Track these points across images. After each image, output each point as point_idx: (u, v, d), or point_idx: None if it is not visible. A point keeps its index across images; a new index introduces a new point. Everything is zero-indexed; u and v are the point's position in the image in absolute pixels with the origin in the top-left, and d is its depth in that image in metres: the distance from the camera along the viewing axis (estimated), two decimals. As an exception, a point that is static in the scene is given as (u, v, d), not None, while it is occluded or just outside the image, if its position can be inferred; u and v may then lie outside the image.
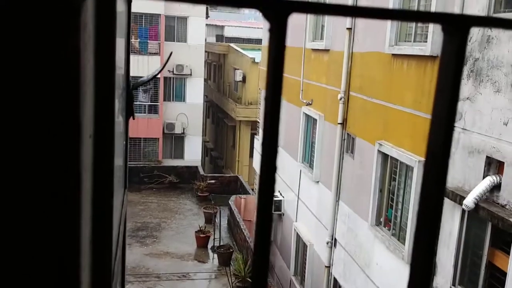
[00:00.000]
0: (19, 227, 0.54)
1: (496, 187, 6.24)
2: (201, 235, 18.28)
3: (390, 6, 8.83)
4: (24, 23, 0.48)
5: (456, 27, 0.44)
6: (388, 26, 8.85)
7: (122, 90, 1.49)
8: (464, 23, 0.44)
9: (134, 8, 24.39)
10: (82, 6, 0.51)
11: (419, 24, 8.33)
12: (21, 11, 0.47)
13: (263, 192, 0.43)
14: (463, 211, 6.72)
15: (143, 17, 25.96)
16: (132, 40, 25.73)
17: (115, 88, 0.89)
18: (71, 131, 0.52)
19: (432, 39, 7.53)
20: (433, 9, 7.54)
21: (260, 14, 0.43)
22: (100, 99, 0.72)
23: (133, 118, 1.75)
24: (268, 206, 0.44)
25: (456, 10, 7.02)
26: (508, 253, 6.09)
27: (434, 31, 7.48)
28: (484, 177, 6.38)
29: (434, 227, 0.47)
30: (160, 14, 26.00)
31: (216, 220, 18.90)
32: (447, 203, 7.15)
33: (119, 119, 1.29)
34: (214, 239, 18.12)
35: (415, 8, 8.34)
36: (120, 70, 1.29)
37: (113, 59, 0.83)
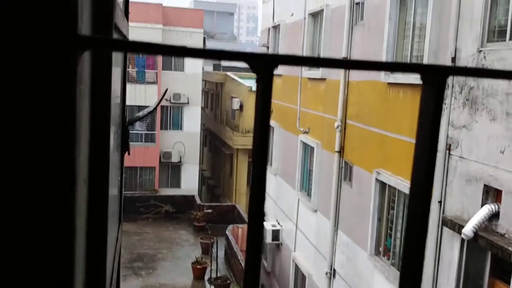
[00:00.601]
0: (14, 265, 0.53)
1: (495, 216, 6.20)
2: (198, 266, 18.04)
3: (384, 47, 8.94)
4: (22, 75, 0.47)
5: (434, 77, 0.46)
6: (384, 55, 8.96)
7: (118, 127, 1.49)
8: (441, 73, 0.46)
9: (132, 37, 24.67)
10: (79, 60, 0.51)
11: (414, 53, 8.45)
12: (19, 64, 0.47)
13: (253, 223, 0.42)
14: (462, 240, 6.66)
15: (141, 47, 26.23)
16: (130, 69, 25.97)
17: (110, 136, 0.89)
18: (66, 178, 0.51)
19: (427, 68, 7.60)
20: (427, 42, 7.64)
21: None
22: (95, 146, 0.71)
23: (128, 154, 1.74)
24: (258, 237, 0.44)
25: (450, 42, 7.12)
26: (508, 283, 6.01)
27: (429, 60, 7.57)
28: (482, 206, 6.36)
29: (422, 245, 0.48)
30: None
31: (213, 250, 18.69)
32: (446, 232, 7.10)
33: (114, 154, 1.29)
34: (211, 270, 17.88)
35: (409, 44, 8.46)
36: (115, 107, 1.29)
37: (108, 104, 0.83)
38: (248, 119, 26.24)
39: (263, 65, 0.41)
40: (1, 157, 0.49)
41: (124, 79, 1.85)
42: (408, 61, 8.56)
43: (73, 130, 0.51)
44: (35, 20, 0.47)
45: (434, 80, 0.46)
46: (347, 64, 0.48)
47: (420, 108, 0.49)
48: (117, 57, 1.36)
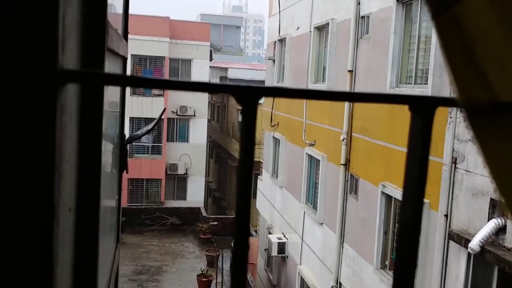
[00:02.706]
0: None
1: (502, 230, 6.14)
2: (203, 279, 17.96)
3: (389, 60, 8.96)
4: (2, 108, 0.48)
5: (422, 108, 0.45)
6: (389, 68, 8.97)
7: (116, 146, 1.49)
8: (430, 104, 0.46)
9: (139, 51, 24.90)
10: (60, 91, 0.51)
11: (419, 67, 8.44)
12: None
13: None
14: (469, 254, 6.60)
15: (148, 59, 26.43)
16: (137, 82, 26.11)
17: (101, 165, 0.89)
18: (44, 206, 0.52)
19: (433, 81, 7.60)
20: (432, 55, 7.64)
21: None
22: (84, 174, 0.71)
23: (127, 172, 1.74)
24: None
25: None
26: (517, 299, 5.94)
27: (434, 74, 7.56)
28: (489, 220, 6.30)
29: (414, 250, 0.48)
30: (164, 57, 26.47)
31: (219, 263, 18.61)
32: (453, 246, 7.03)
33: (112, 173, 1.29)
34: (216, 283, 17.78)
35: (415, 57, 8.46)
36: (114, 125, 1.30)
37: (99, 132, 0.83)
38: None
39: (247, 97, 0.41)
40: None
41: (124, 96, 1.86)
42: (414, 74, 8.55)
43: (51, 161, 0.51)
44: (15, 55, 0.48)
45: (423, 111, 0.46)
46: (331, 95, 0.49)
47: (409, 138, 0.48)
48: (115, 72, 1.36)
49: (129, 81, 0.44)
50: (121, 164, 1.68)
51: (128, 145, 1.86)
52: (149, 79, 0.43)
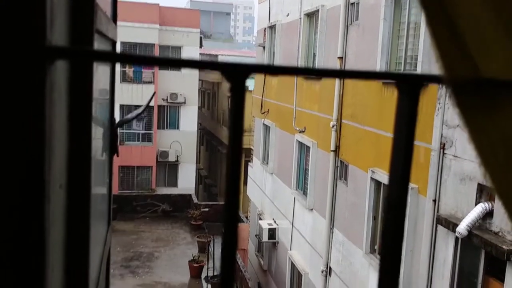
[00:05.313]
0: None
1: (489, 214, 6.24)
2: (195, 265, 18.06)
3: (379, 46, 8.97)
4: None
5: (409, 85, 0.45)
6: (379, 54, 8.99)
7: (106, 129, 1.50)
8: (416, 81, 0.46)
9: (129, 38, 24.66)
10: (48, 69, 0.52)
11: (409, 53, 8.47)
12: None
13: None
14: (457, 238, 6.70)
15: (138, 46, 26.20)
16: (127, 69, 25.92)
17: (91, 139, 0.90)
18: (34, 185, 0.53)
19: (422, 67, 7.63)
20: (421, 41, 7.66)
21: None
22: (75, 151, 0.72)
23: (117, 155, 1.75)
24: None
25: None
26: (503, 281, 6.05)
27: (423, 60, 7.60)
28: (476, 204, 6.39)
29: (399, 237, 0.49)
30: (154, 44, 26.25)
31: (210, 249, 18.70)
32: (441, 230, 7.13)
33: (100, 157, 1.30)
34: (208, 268, 17.89)
35: (404, 44, 8.48)
36: (103, 109, 1.30)
37: (89, 112, 0.84)
38: (244, 118, 26.21)
39: (236, 74, 0.42)
40: None
41: (113, 79, 1.86)
42: (403, 60, 8.58)
43: (42, 136, 0.52)
44: (3, 31, 0.49)
45: (409, 88, 0.46)
46: (320, 72, 0.50)
47: (396, 117, 0.49)
48: (104, 69, 1.37)
49: (118, 57, 0.45)
50: (112, 148, 1.69)
51: (118, 128, 1.87)
52: (137, 56, 0.43)
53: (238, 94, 0.43)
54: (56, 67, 0.57)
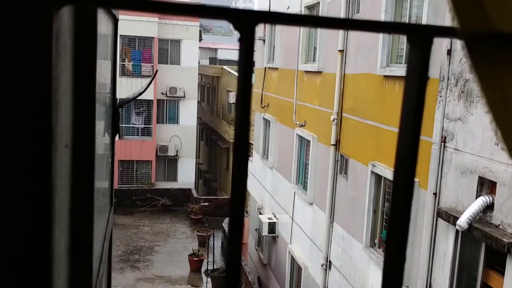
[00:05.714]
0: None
1: (489, 207, 6.23)
2: (195, 259, 18.09)
3: (380, 39, 8.93)
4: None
5: (420, 37, 0.44)
6: (380, 47, 8.95)
7: (108, 108, 1.48)
8: (428, 33, 0.45)
9: (128, 31, 24.61)
10: (55, 15, 0.51)
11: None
12: None
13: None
14: (457, 231, 6.69)
15: (137, 40, 26.14)
16: (126, 63, 25.86)
17: (95, 99, 0.89)
18: (42, 138, 0.51)
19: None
20: (424, 16, 7.61)
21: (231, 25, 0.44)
22: (79, 109, 0.70)
23: (119, 137, 1.74)
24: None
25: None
26: (503, 274, 6.05)
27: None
28: (477, 197, 6.38)
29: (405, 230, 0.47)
30: (153, 37, 26.19)
31: (210, 243, 18.73)
32: (441, 223, 7.13)
33: (105, 137, 1.28)
34: (207, 262, 17.92)
35: (407, 15, 8.42)
36: (106, 89, 1.29)
37: (93, 72, 0.83)
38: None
39: (245, 21, 0.40)
40: None
41: (115, 62, 1.84)
42: (404, 53, 8.55)
43: (49, 87, 0.50)
44: None
45: (421, 41, 0.45)
46: (328, 21, 0.47)
47: (407, 71, 0.47)
48: (106, 37, 1.35)
49: (124, 2, 0.43)
50: (114, 128, 1.67)
51: (120, 109, 1.85)
52: (144, 1, 0.42)
53: (247, 43, 0.41)
54: (62, 18, 0.56)
